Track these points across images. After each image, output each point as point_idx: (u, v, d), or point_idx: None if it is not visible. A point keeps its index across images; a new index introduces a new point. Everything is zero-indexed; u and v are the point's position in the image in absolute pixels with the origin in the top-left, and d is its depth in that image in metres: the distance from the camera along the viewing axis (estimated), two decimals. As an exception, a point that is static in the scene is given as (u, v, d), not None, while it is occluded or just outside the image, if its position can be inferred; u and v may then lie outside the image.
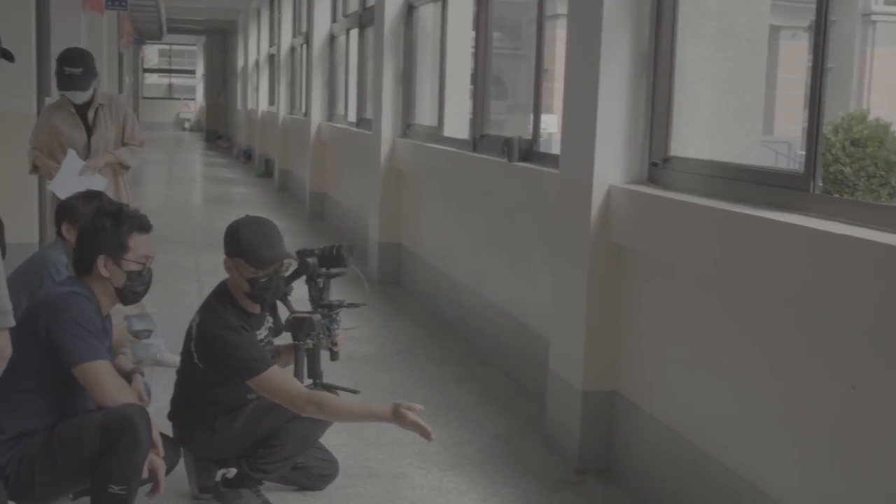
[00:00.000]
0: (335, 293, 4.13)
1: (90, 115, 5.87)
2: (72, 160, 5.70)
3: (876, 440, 2.88)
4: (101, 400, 3.37)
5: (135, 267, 3.54)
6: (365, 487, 4.26)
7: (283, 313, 4.08)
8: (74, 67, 5.75)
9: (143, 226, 3.59)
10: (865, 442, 2.93)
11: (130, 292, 3.57)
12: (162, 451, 3.45)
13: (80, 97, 5.81)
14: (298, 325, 3.90)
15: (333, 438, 4.42)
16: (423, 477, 4.40)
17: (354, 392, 3.97)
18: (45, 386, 3.39)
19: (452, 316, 7.09)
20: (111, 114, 5.92)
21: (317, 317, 3.93)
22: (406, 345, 6.69)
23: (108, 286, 3.52)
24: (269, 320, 4.02)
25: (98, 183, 5.49)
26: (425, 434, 3.48)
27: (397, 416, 3.50)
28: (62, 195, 5.09)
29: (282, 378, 3.71)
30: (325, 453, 4.21)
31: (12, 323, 3.03)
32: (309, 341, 3.92)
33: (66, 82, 5.75)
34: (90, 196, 4.40)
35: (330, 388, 3.92)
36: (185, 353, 3.87)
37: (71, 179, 5.57)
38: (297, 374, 3.91)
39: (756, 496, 3.40)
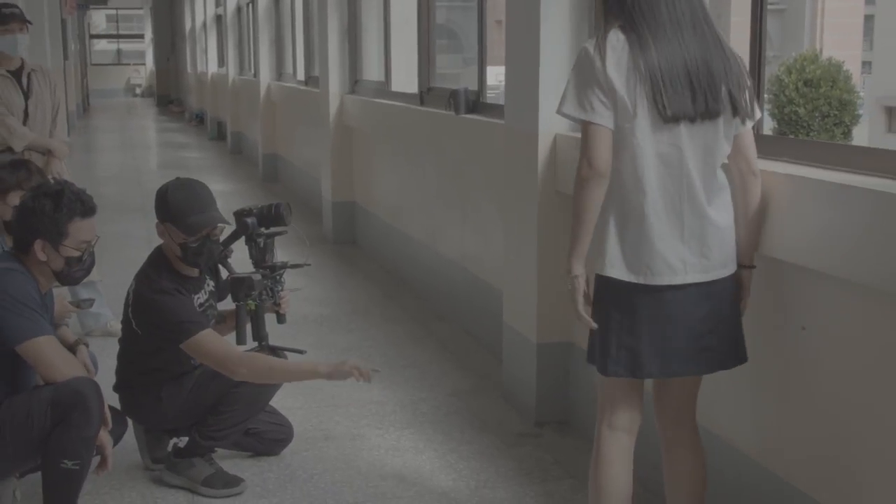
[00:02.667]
0: (282, 255, 4.04)
1: (24, 80, 5.69)
2: None
3: (826, 381, 2.86)
4: (49, 376, 3.27)
5: (74, 253, 3.41)
6: (321, 450, 4.21)
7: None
8: (14, 7, 5.67)
9: (86, 210, 3.43)
10: (816, 383, 2.91)
11: (68, 276, 3.46)
12: (110, 425, 3.37)
13: (21, 43, 5.61)
14: (237, 286, 3.81)
15: (288, 401, 4.36)
16: (381, 437, 4.35)
17: (301, 352, 3.89)
18: (-13, 364, 3.28)
19: (408, 273, 7.02)
20: (44, 80, 5.78)
21: (256, 276, 3.84)
22: (362, 304, 6.63)
23: (45, 268, 3.40)
24: (211, 284, 3.93)
25: None
26: (364, 376, 3.45)
27: (339, 372, 3.45)
28: None
29: (213, 340, 3.60)
30: (278, 417, 4.14)
31: None
32: (250, 302, 3.84)
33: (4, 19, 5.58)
34: (17, 165, 4.23)
35: (276, 349, 3.85)
36: (125, 322, 3.78)
37: None
38: (240, 336, 3.82)
39: (711, 440, 3.38)
